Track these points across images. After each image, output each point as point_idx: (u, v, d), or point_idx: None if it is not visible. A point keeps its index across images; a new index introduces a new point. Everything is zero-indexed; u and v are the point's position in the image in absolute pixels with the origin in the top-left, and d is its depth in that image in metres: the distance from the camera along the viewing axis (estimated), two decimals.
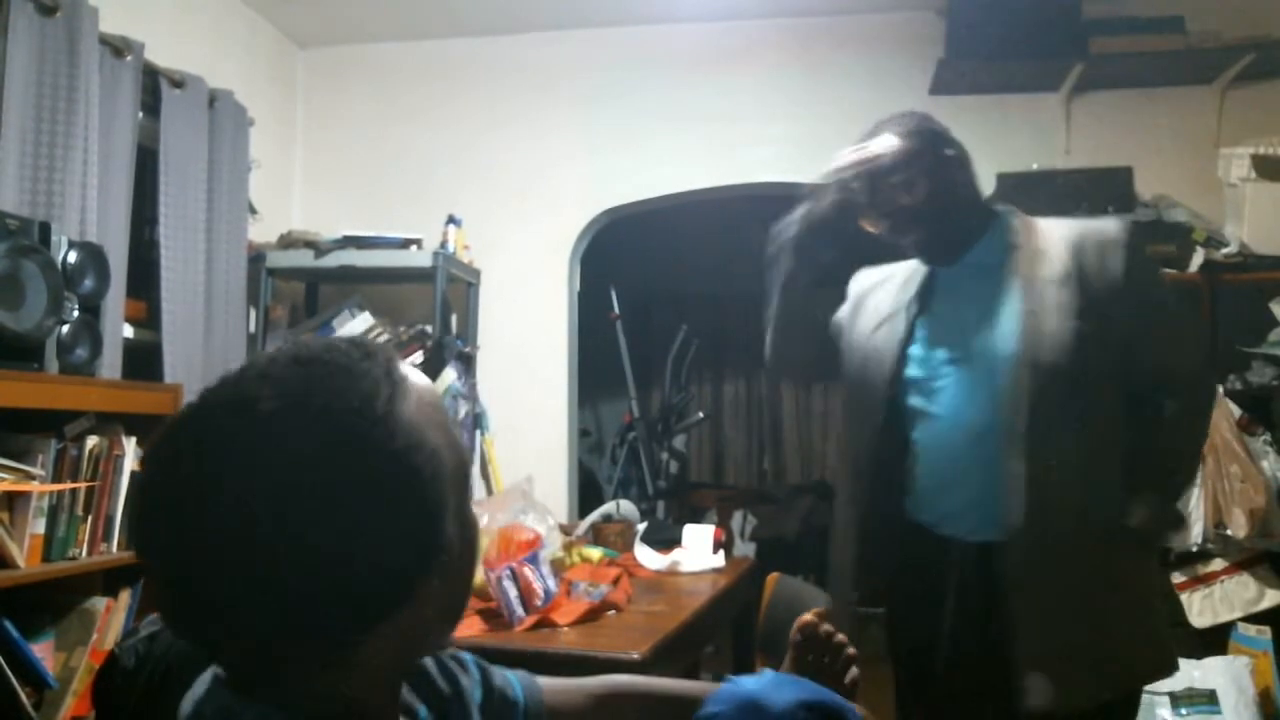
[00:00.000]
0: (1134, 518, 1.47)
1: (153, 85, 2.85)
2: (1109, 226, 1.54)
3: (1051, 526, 1.43)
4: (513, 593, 1.83)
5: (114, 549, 2.22)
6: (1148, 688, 1.61)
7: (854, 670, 0.99)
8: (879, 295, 1.70)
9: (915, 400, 1.58)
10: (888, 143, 1.54)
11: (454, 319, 3.58)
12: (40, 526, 2.03)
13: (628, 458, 4.67)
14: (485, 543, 1.98)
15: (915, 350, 1.60)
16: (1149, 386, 1.51)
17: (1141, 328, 1.48)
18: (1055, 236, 1.52)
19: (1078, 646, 1.44)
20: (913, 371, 1.59)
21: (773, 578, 2.01)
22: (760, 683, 0.80)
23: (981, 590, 1.50)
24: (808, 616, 0.99)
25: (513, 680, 0.90)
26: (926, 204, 1.53)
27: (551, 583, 1.96)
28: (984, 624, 1.50)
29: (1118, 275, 1.46)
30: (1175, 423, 1.53)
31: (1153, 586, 1.63)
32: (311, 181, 3.84)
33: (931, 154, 1.55)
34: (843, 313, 1.76)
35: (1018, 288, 1.49)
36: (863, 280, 1.77)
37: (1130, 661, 1.50)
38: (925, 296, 1.63)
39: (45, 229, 2.11)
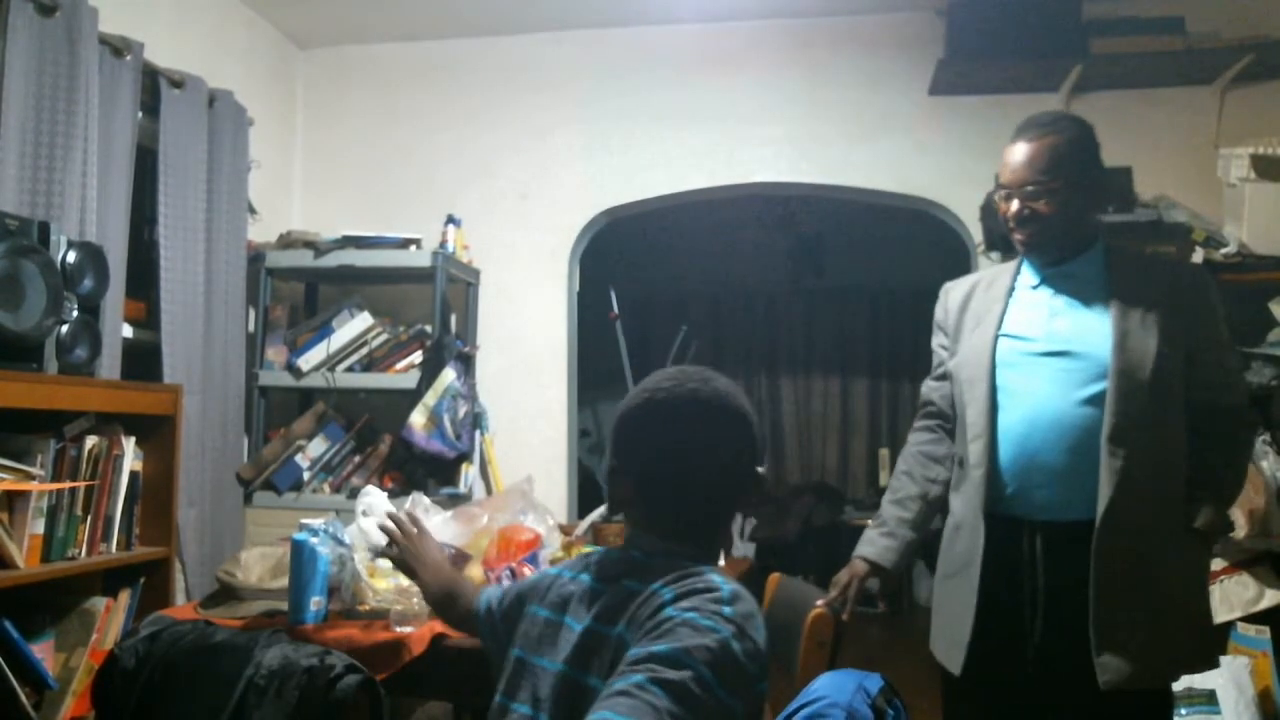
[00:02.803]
0: (1199, 518, 1.62)
1: (152, 85, 2.85)
2: (1199, 270, 1.87)
3: (1132, 512, 1.56)
4: None
5: (113, 549, 2.23)
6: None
7: None
8: (975, 300, 1.82)
9: (1004, 381, 1.68)
10: (1065, 134, 1.66)
11: (454, 319, 3.58)
12: (40, 526, 2.03)
13: None
14: (485, 543, 1.97)
15: (1007, 340, 1.71)
16: (1204, 403, 1.65)
17: (1207, 353, 1.65)
18: (1152, 266, 1.75)
19: (1143, 628, 1.55)
20: (1004, 356, 1.70)
21: (773, 578, 2.00)
22: (835, 677, 1.14)
23: (1047, 566, 1.61)
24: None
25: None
26: (1068, 207, 1.65)
27: None
28: (1049, 599, 1.61)
29: (1199, 309, 1.66)
30: (1228, 436, 1.68)
31: (1204, 583, 1.74)
32: (311, 181, 3.84)
33: (1094, 161, 1.69)
34: (948, 321, 1.86)
35: (1116, 301, 1.63)
36: (958, 290, 1.87)
37: (1182, 648, 1.61)
38: (1012, 293, 1.76)
39: (45, 229, 2.11)
